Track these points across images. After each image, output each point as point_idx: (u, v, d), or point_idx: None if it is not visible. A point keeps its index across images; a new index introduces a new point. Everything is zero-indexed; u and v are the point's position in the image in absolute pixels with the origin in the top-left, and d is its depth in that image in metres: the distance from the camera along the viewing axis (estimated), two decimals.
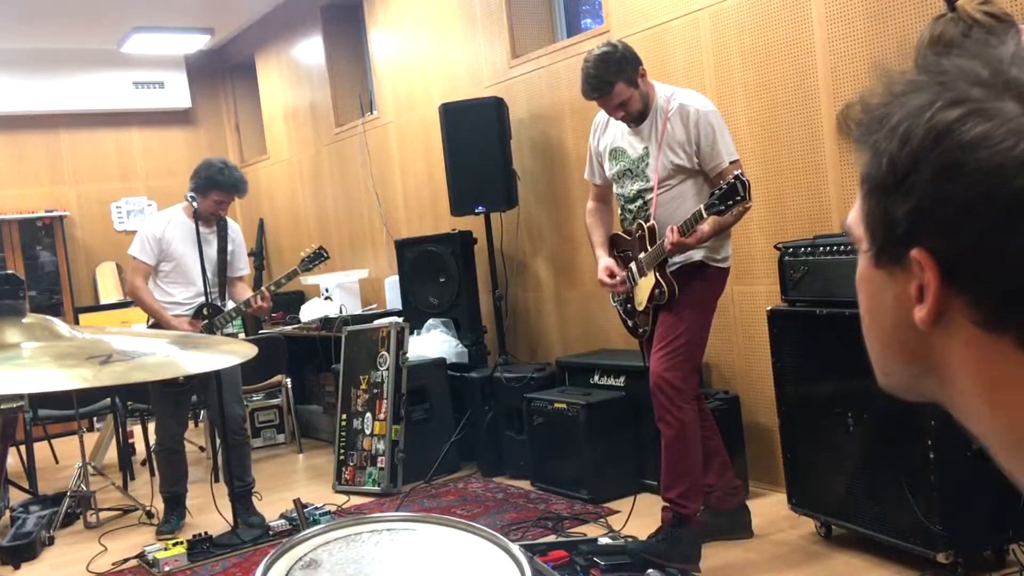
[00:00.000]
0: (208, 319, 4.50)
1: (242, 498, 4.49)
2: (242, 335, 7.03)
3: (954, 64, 0.65)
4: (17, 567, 4.33)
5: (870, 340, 0.74)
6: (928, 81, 0.65)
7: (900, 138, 0.65)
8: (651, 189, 3.44)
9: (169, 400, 4.55)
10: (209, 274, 4.50)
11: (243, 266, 4.85)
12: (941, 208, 0.63)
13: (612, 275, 3.54)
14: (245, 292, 4.72)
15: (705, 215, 3.16)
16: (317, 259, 4.80)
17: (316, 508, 4.33)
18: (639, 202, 3.49)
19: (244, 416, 4.76)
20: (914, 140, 0.64)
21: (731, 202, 3.09)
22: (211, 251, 4.59)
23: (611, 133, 3.60)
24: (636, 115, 3.42)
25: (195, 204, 4.44)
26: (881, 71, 0.69)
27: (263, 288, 4.61)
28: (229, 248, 4.67)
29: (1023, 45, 0.66)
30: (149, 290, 4.58)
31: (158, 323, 4.52)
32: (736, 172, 3.13)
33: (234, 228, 4.78)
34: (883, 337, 0.72)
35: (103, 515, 4.91)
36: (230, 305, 4.70)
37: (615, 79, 3.32)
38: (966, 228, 0.62)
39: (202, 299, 4.53)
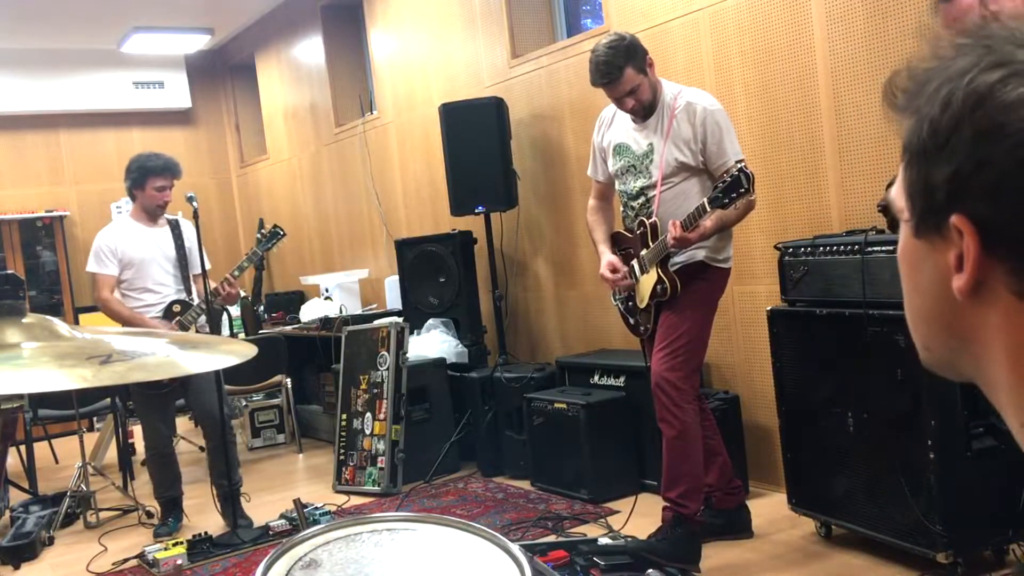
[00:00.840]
0: (179, 315, 4.49)
1: (234, 498, 4.47)
2: (242, 335, 7.04)
3: (1000, 27, 0.64)
4: (17, 567, 4.33)
5: (911, 314, 0.73)
6: (973, 44, 0.64)
7: (941, 102, 0.64)
8: (654, 186, 3.44)
9: (155, 404, 4.52)
10: (171, 272, 4.49)
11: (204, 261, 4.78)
12: (982, 172, 0.61)
13: (615, 271, 3.53)
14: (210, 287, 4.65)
15: (708, 208, 3.15)
16: (274, 238, 4.84)
17: (316, 508, 4.33)
18: (641, 199, 3.49)
19: (230, 414, 4.73)
20: (955, 103, 0.63)
21: (735, 194, 3.08)
22: (169, 251, 4.56)
23: (616, 129, 3.60)
24: (647, 105, 3.41)
25: (195, 204, 4.41)
26: (930, 36, 0.68)
27: (227, 275, 4.57)
28: (187, 246, 4.63)
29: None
30: (119, 300, 4.54)
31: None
32: (740, 164, 3.12)
33: (186, 226, 4.71)
34: (923, 310, 0.71)
35: (103, 515, 4.92)
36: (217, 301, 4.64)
37: (624, 64, 3.32)
38: (1007, 192, 0.61)
39: (170, 298, 4.52)
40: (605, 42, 3.37)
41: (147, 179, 4.53)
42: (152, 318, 4.51)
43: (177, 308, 4.53)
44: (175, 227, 4.60)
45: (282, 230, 4.88)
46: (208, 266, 4.79)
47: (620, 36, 3.39)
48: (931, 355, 0.73)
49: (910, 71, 0.68)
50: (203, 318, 4.59)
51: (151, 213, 4.60)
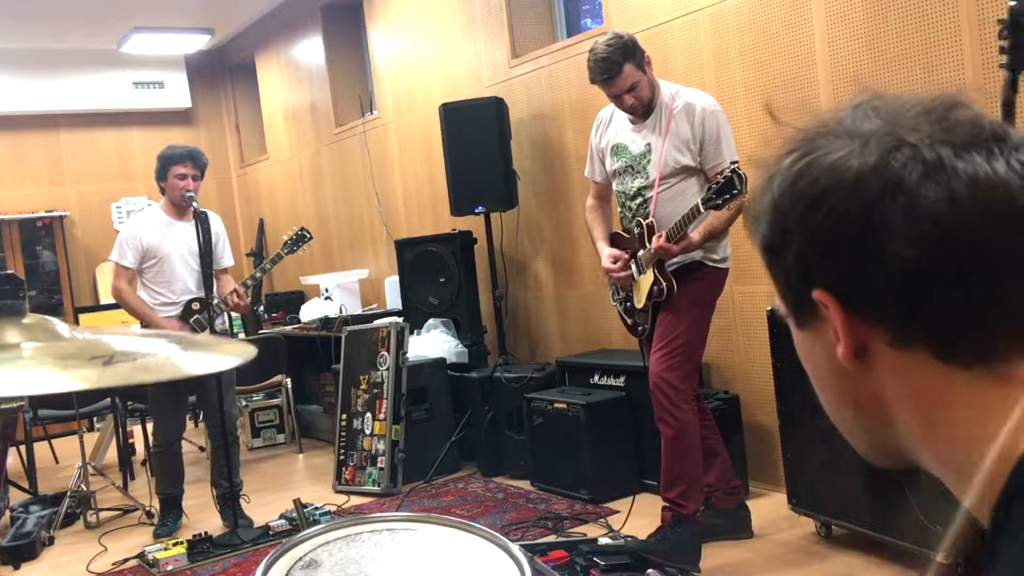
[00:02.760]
0: (197, 313, 4.47)
1: (234, 499, 4.47)
2: (242, 335, 7.04)
3: (806, 132, 0.72)
4: (17, 567, 4.33)
5: (825, 403, 0.77)
6: (791, 148, 0.71)
7: (770, 205, 0.70)
8: (651, 186, 3.44)
9: (168, 400, 4.53)
10: (195, 267, 4.46)
11: (227, 258, 4.75)
12: (813, 242, 0.67)
13: (616, 260, 3.54)
14: (229, 284, 4.60)
15: (702, 209, 3.17)
16: (301, 241, 4.75)
17: (316, 508, 4.33)
18: (639, 200, 3.50)
19: (238, 414, 4.73)
20: (776, 194, 0.69)
21: (728, 196, 3.09)
22: (194, 244, 4.38)
23: (614, 129, 3.60)
24: (645, 103, 3.42)
25: (195, 204, 4.40)
26: (757, 161, 0.75)
27: (237, 286, 4.52)
28: (213, 240, 4.43)
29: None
30: (133, 292, 4.52)
31: (147, 325, 4.45)
32: (733, 166, 3.13)
33: (215, 219, 4.60)
34: (831, 396, 0.75)
35: (103, 515, 4.91)
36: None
37: (623, 60, 3.33)
38: (839, 251, 0.65)
39: (190, 295, 4.50)
40: (603, 40, 3.38)
41: (168, 168, 4.48)
42: (169, 315, 4.48)
43: (196, 306, 4.50)
44: (203, 220, 4.33)
45: (309, 232, 4.76)
46: (231, 263, 4.77)
47: (618, 35, 3.41)
48: (862, 446, 0.76)
49: (752, 199, 0.75)
50: (222, 317, 4.55)
51: (178, 205, 4.53)
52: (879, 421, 0.71)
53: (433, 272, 5.65)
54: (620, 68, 3.33)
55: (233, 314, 4.68)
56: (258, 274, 4.69)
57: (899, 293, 0.64)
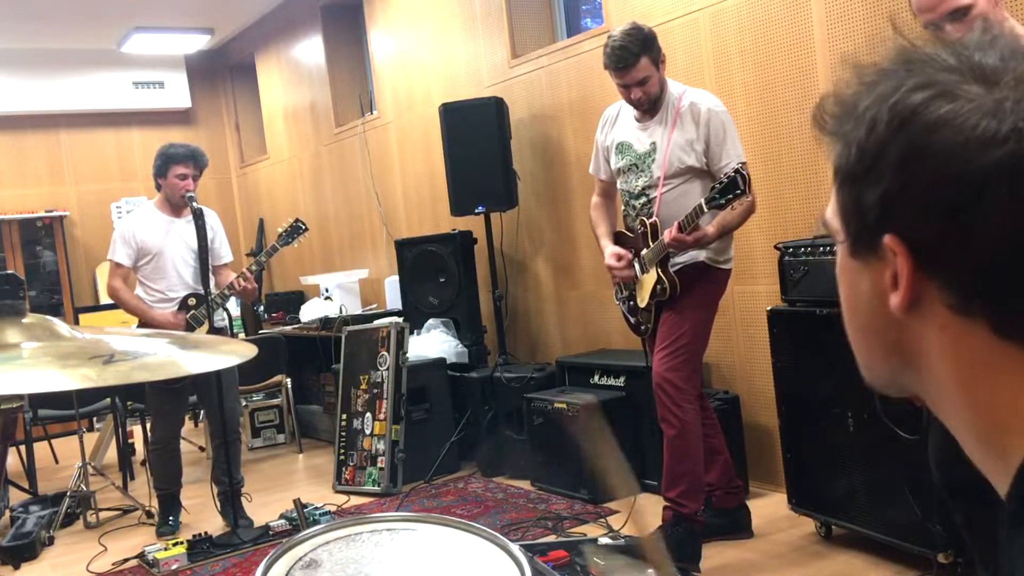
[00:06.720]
0: (193, 308, 4.48)
1: (235, 498, 4.48)
2: (242, 335, 7.04)
3: (923, 52, 0.66)
4: (17, 567, 4.33)
5: (851, 333, 0.75)
6: (896, 69, 0.66)
7: (867, 125, 0.65)
8: (656, 185, 3.44)
9: (166, 397, 4.52)
10: (191, 264, 4.47)
11: (226, 253, 4.75)
12: (908, 192, 0.63)
13: (619, 258, 3.53)
14: (230, 277, 4.59)
15: (705, 209, 3.16)
16: (295, 232, 4.74)
17: (316, 508, 4.33)
18: (643, 199, 3.49)
19: (241, 412, 4.72)
20: (879, 125, 0.64)
21: (731, 196, 3.08)
22: (191, 241, 4.43)
23: (619, 127, 3.60)
24: (652, 99, 3.41)
25: (194, 204, 4.40)
26: (853, 62, 0.69)
27: (244, 270, 4.53)
28: (210, 236, 4.46)
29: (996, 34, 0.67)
30: (128, 289, 4.53)
31: (144, 323, 4.47)
32: (736, 166, 3.13)
33: (211, 215, 4.60)
34: (863, 329, 0.73)
35: (103, 515, 4.91)
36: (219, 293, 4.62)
37: (640, 52, 3.31)
38: (933, 211, 0.62)
39: (187, 291, 4.51)
40: (624, 28, 3.36)
41: (170, 167, 4.48)
42: (166, 311, 4.49)
43: (192, 302, 4.50)
44: (199, 216, 4.35)
45: (304, 224, 4.76)
46: (230, 258, 4.78)
47: (638, 26, 3.38)
48: (873, 373, 0.74)
49: (837, 96, 0.69)
50: (220, 312, 4.56)
51: (175, 204, 4.53)
52: (905, 364, 0.69)
53: (433, 272, 5.66)
54: (637, 59, 3.31)
55: (233, 313, 4.68)
56: (253, 267, 4.67)
57: (982, 269, 0.61)
